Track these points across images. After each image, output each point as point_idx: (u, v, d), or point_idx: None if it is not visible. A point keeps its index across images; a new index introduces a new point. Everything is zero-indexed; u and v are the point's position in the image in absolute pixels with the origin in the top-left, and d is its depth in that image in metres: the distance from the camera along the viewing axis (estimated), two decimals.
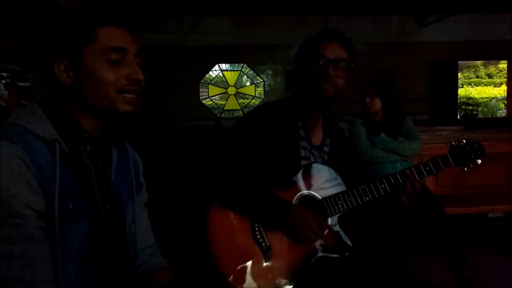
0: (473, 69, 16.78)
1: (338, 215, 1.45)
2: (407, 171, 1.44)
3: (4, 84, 2.07)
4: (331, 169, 1.49)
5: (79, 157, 0.96)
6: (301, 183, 1.44)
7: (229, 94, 10.15)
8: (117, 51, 0.96)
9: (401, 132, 2.86)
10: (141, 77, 0.98)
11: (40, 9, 4.70)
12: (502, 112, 13.22)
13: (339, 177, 1.49)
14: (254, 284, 1.34)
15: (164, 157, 3.97)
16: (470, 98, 14.36)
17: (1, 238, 0.84)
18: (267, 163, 1.42)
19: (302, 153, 1.48)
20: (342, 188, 1.47)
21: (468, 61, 14.67)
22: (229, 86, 10.13)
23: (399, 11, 8.72)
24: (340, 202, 1.43)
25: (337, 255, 1.42)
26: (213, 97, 10.07)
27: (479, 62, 16.08)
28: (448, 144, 1.51)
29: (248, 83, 10.49)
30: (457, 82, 9.63)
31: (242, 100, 10.24)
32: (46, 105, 0.97)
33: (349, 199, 1.43)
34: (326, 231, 1.42)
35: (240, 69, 10.04)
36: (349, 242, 1.44)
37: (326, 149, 1.56)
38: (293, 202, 1.42)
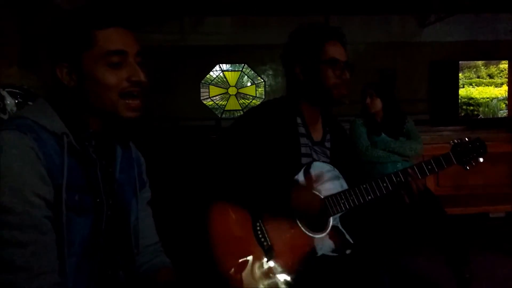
0: (474, 69, 16.74)
1: (340, 214, 1.45)
2: (409, 170, 1.44)
3: (16, 103, 2.09)
4: (333, 167, 1.49)
5: (85, 151, 0.98)
6: (303, 182, 1.44)
7: (230, 95, 10.14)
8: (117, 54, 0.96)
9: (402, 132, 2.86)
10: (143, 78, 0.98)
11: (41, 9, 4.70)
12: (503, 113, 13.19)
13: (341, 176, 1.49)
14: (256, 283, 1.34)
15: (165, 157, 3.97)
16: (471, 98, 14.32)
17: (10, 225, 0.84)
18: (267, 161, 1.42)
19: (303, 150, 1.47)
20: (344, 187, 1.47)
21: (469, 61, 14.64)
22: (230, 86, 10.12)
23: (399, 11, 8.72)
24: (342, 201, 1.43)
25: (339, 254, 1.42)
26: (214, 98, 10.06)
27: (480, 62, 16.03)
28: (450, 143, 1.51)
29: (249, 84, 10.48)
30: (458, 82, 9.63)
31: (243, 100, 10.23)
32: (53, 101, 0.98)
33: (351, 198, 1.43)
34: (327, 231, 1.42)
35: (240, 69, 10.04)
36: (351, 241, 1.44)
37: (327, 144, 1.56)
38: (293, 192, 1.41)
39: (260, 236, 1.37)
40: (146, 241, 1.16)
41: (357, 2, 7.85)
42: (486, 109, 14.09)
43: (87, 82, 0.95)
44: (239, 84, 10.24)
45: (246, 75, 10.21)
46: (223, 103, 10.13)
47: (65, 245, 0.91)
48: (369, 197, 1.43)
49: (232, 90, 10.10)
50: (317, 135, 1.55)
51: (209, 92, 9.94)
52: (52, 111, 0.96)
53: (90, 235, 0.97)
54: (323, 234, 1.43)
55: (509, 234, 3.42)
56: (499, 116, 13.28)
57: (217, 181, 1.39)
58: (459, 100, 10.05)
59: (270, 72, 9.46)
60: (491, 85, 15.87)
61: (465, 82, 15.59)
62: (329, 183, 1.46)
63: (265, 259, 1.36)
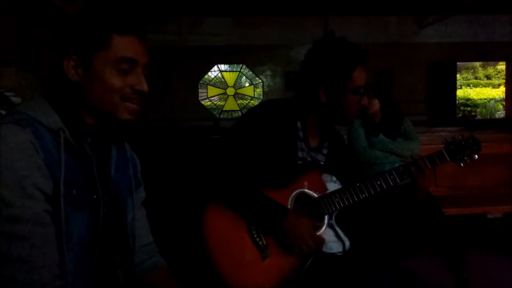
0: (472, 70, 16.83)
1: (335, 213, 1.45)
2: (402, 168, 1.45)
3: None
4: (328, 169, 1.50)
5: (82, 148, 0.98)
6: (298, 182, 1.44)
7: (228, 95, 10.16)
8: (128, 62, 0.98)
9: (400, 133, 2.86)
10: (146, 89, 1.00)
11: (40, 9, 4.70)
12: (500, 113, 13.26)
13: (334, 177, 1.50)
14: (252, 283, 1.34)
15: (163, 157, 3.97)
16: (469, 99, 14.40)
17: (11, 218, 0.84)
18: (264, 162, 1.42)
19: (300, 154, 1.48)
20: (338, 186, 1.48)
21: (466, 62, 14.73)
22: (228, 86, 10.14)
23: (397, 12, 8.75)
24: (336, 199, 1.43)
25: (335, 254, 1.43)
26: (212, 98, 10.08)
27: (477, 63, 16.13)
28: (444, 141, 1.52)
29: (247, 84, 10.50)
30: (455, 83, 9.66)
31: (241, 100, 10.25)
32: (51, 98, 0.99)
33: (345, 196, 1.43)
34: (322, 230, 1.42)
35: (239, 69, 10.05)
36: (347, 241, 1.44)
37: (324, 151, 1.56)
38: (289, 200, 1.41)
39: (256, 235, 1.38)
40: (140, 241, 1.17)
41: (356, 3, 7.87)
42: (483, 110, 14.16)
43: (92, 80, 0.97)
44: (237, 85, 10.25)
45: (244, 75, 10.22)
46: (221, 103, 10.15)
47: (64, 239, 0.91)
48: (363, 196, 1.43)
49: (230, 91, 10.12)
50: (315, 142, 1.55)
51: (207, 92, 9.95)
52: (49, 107, 0.96)
53: (87, 231, 0.97)
54: (318, 233, 1.43)
55: (507, 234, 3.43)
56: (497, 117, 13.36)
57: (214, 182, 1.39)
58: (457, 101, 10.10)
59: (269, 73, 9.47)
60: (488, 86, 15.95)
61: (463, 83, 15.67)
62: (323, 182, 1.47)
63: (260, 259, 1.36)
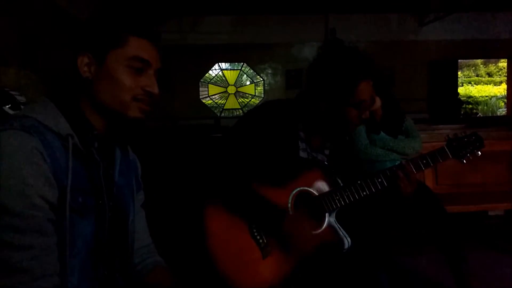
0: (473, 68, 16.78)
1: (335, 211, 1.45)
2: (404, 164, 1.44)
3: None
4: (329, 167, 1.50)
5: (90, 153, 0.98)
6: (299, 179, 1.44)
7: (229, 93, 10.15)
8: (141, 62, 0.99)
9: (401, 130, 2.86)
10: (156, 91, 1.02)
11: (41, 8, 4.70)
12: (502, 111, 13.22)
13: (335, 175, 1.49)
14: (252, 281, 1.34)
15: (164, 156, 3.97)
16: (470, 96, 14.36)
17: (14, 228, 0.84)
18: (266, 162, 1.42)
19: (301, 154, 1.48)
20: (339, 185, 1.47)
21: (468, 60, 14.69)
22: (229, 85, 10.12)
23: (398, 10, 8.72)
24: (337, 197, 1.43)
25: (336, 252, 1.43)
26: (213, 96, 10.07)
27: (479, 61, 16.09)
28: (446, 137, 1.51)
29: (248, 82, 10.48)
30: (457, 80, 9.63)
31: (242, 99, 10.24)
32: (57, 99, 0.98)
33: (346, 194, 1.43)
34: (323, 228, 1.42)
35: (240, 68, 10.04)
36: (348, 239, 1.44)
37: (326, 152, 1.56)
38: (290, 198, 1.42)
39: (256, 233, 1.38)
40: (139, 243, 1.17)
41: (356, 1, 7.85)
42: (485, 107, 14.12)
43: (104, 77, 0.97)
44: (238, 83, 10.24)
45: (245, 74, 10.21)
46: (222, 102, 10.13)
47: (67, 247, 0.91)
48: (364, 193, 1.43)
49: (231, 89, 10.11)
50: (316, 141, 1.55)
51: (208, 91, 9.94)
52: (57, 110, 0.96)
53: (92, 236, 0.97)
54: (319, 231, 1.43)
55: (508, 232, 3.42)
56: (498, 114, 13.32)
57: (215, 181, 1.40)
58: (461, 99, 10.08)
59: (269, 71, 9.46)
60: (490, 84, 15.91)
61: (464, 80, 15.63)
62: (324, 181, 1.47)
63: (261, 257, 1.36)
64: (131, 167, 1.15)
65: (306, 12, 8.10)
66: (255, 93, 10.23)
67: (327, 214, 1.45)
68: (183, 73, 8.94)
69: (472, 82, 16.10)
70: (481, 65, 16.82)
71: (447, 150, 1.48)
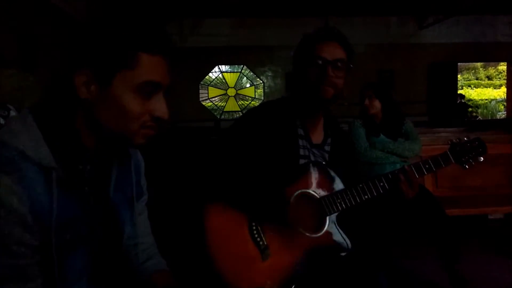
0: (473, 71, 16.81)
1: (336, 213, 1.45)
2: (407, 169, 1.43)
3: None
4: (330, 169, 1.49)
5: (78, 181, 0.89)
6: (300, 182, 1.44)
7: (229, 96, 10.16)
8: (152, 85, 0.86)
9: (401, 133, 2.86)
10: (166, 116, 0.89)
11: (40, 10, 4.71)
12: (502, 114, 13.25)
13: (337, 177, 1.49)
14: (252, 283, 1.34)
15: (164, 158, 3.97)
16: (470, 100, 14.39)
17: None
18: (265, 161, 1.41)
19: (301, 152, 1.47)
20: (340, 187, 1.47)
21: (467, 63, 14.72)
22: (229, 87, 10.13)
23: (398, 12, 8.74)
24: (339, 200, 1.42)
25: (336, 254, 1.42)
26: (213, 99, 10.07)
27: (478, 64, 16.12)
28: (449, 142, 1.50)
29: (247, 85, 10.49)
30: (456, 83, 9.65)
31: (242, 101, 10.24)
32: (44, 117, 0.87)
33: (348, 197, 1.42)
34: (324, 231, 1.41)
35: (239, 70, 10.05)
36: (348, 241, 1.43)
37: (327, 148, 1.56)
38: (291, 200, 1.41)
39: (256, 236, 1.37)
40: (141, 244, 1.14)
41: (356, 4, 7.87)
42: (484, 110, 14.15)
43: (108, 101, 0.84)
44: (238, 85, 10.25)
45: (245, 76, 10.22)
46: (222, 104, 10.14)
47: (57, 282, 0.85)
48: (366, 197, 1.42)
49: (231, 91, 10.12)
50: (317, 138, 1.54)
51: (208, 93, 9.95)
52: (39, 136, 0.84)
53: (86, 265, 0.92)
54: (320, 234, 1.42)
55: (508, 235, 3.41)
56: (498, 117, 13.35)
57: (214, 182, 1.39)
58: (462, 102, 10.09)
59: (269, 73, 9.48)
60: (489, 87, 15.94)
61: (464, 83, 15.66)
62: (326, 183, 1.46)
63: (261, 259, 1.36)
64: (132, 175, 1.06)
65: (306, 14, 8.12)
66: (255, 95, 10.23)
67: (328, 217, 1.44)
68: (183, 75, 8.94)
69: (472, 85, 16.14)
70: (480, 68, 16.86)
71: (450, 155, 1.46)
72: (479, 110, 14.13)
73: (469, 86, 16.05)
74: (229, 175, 1.39)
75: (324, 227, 1.43)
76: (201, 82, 9.61)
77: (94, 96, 0.85)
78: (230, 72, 10.14)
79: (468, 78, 16.68)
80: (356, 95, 2.85)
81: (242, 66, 9.89)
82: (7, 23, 4.10)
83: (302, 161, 1.47)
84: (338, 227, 1.45)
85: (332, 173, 1.48)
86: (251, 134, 1.42)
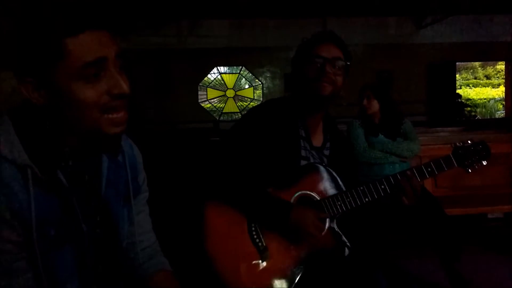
0: (471, 70, 16.83)
1: (337, 216, 1.45)
2: (408, 172, 1.42)
3: None
4: (331, 170, 1.49)
5: (56, 180, 0.85)
6: (300, 183, 1.44)
7: (228, 97, 10.16)
8: (94, 65, 0.79)
9: (400, 133, 2.86)
10: (125, 89, 0.82)
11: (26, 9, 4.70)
12: (500, 113, 13.25)
13: (338, 179, 1.49)
14: (252, 285, 1.34)
15: (163, 160, 3.97)
16: (469, 99, 14.39)
17: None
18: (266, 161, 1.41)
19: (302, 153, 1.47)
20: (341, 189, 1.47)
21: (466, 63, 14.73)
22: (228, 88, 10.14)
23: (396, 13, 8.75)
24: (339, 203, 1.42)
25: (336, 256, 1.42)
26: (212, 100, 10.08)
27: (477, 64, 16.13)
28: (452, 145, 1.48)
29: (246, 86, 10.50)
30: (455, 83, 9.67)
31: (240, 102, 10.25)
32: (19, 118, 0.85)
33: (348, 200, 1.42)
34: (324, 231, 1.41)
35: (238, 71, 10.06)
36: (347, 243, 1.43)
37: (326, 152, 1.56)
38: (291, 201, 1.41)
39: (255, 237, 1.37)
40: (143, 242, 1.13)
41: (354, 4, 7.88)
42: (483, 109, 14.16)
43: (61, 99, 0.80)
44: (237, 87, 10.25)
45: (244, 77, 10.23)
46: (221, 105, 10.15)
47: (44, 282, 0.84)
48: (366, 199, 1.41)
49: (230, 93, 10.12)
50: (317, 141, 1.54)
51: (207, 94, 9.95)
52: (14, 136, 0.82)
53: (75, 263, 0.90)
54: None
55: (508, 234, 3.41)
56: (497, 116, 13.36)
57: (215, 182, 1.39)
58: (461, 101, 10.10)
59: (268, 74, 9.48)
60: (488, 86, 15.95)
61: (462, 83, 15.67)
62: (326, 185, 1.46)
63: (260, 260, 1.36)
64: (127, 171, 1.02)
65: (304, 15, 8.13)
66: (253, 96, 10.24)
67: (328, 219, 1.44)
68: (181, 76, 8.95)
69: (470, 85, 16.15)
70: (479, 68, 16.88)
71: (453, 158, 1.44)
72: (478, 110, 14.13)
73: (468, 85, 16.07)
74: (231, 175, 1.39)
75: (324, 229, 1.43)
76: (200, 84, 9.61)
77: (47, 100, 0.81)
78: (228, 73, 10.15)
79: (466, 77, 16.70)
80: (355, 95, 2.86)
81: (240, 67, 9.90)
82: (6, 24, 4.09)
83: (302, 162, 1.47)
84: (338, 228, 1.45)
85: (333, 175, 1.48)
86: (255, 134, 1.42)
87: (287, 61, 1.58)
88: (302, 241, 1.37)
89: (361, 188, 1.42)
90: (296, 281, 1.36)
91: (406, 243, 3.16)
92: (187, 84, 9.16)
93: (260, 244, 1.37)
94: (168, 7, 7.51)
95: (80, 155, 0.90)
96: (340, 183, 1.49)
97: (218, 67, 9.87)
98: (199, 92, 9.62)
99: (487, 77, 16.82)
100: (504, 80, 11.20)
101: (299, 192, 1.43)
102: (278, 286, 1.35)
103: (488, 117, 13.46)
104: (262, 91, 9.66)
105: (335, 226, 1.45)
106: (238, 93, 10.25)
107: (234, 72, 10.12)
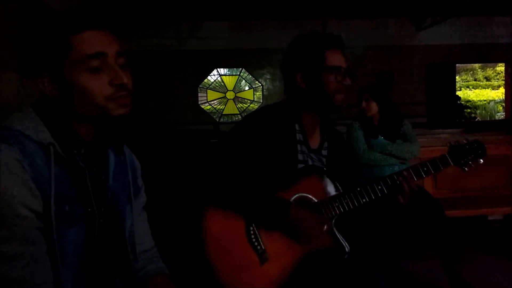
0: (471, 72, 16.82)
1: (335, 218, 1.45)
2: (404, 172, 1.43)
3: None
4: (328, 173, 1.49)
5: (74, 161, 0.95)
6: (297, 186, 1.44)
7: (228, 99, 10.17)
8: (95, 57, 0.92)
9: (399, 135, 2.86)
10: (125, 80, 0.94)
11: (37, 13, 4.71)
12: (500, 115, 13.25)
13: (335, 181, 1.49)
14: (251, 287, 1.34)
15: (162, 162, 3.97)
16: (468, 101, 14.38)
17: (1, 239, 0.84)
18: (264, 166, 1.41)
19: (300, 157, 1.47)
20: (338, 191, 1.47)
21: (466, 64, 14.73)
22: (228, 90, 10.14)
23: (396, 14, 8.76)
24: (336, 204, 1.42)
25: (335, 258, 1.42)
26: (212, 102, 10.08)
27: (477, 65, 16.13)
28: (448, 144, 1.50)
29: (246, 88, 10.51)
30: (455, 85, 9.66)
31: (240, 104, 10.25)
32: (41, 109, 0.96)
33: (345, 201, 1.42)
34: (325, 229, 1.41)
35: (238, 73, 10.06)
36: (346, 245, 1.43)
37: (324, 152, 1.56)
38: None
39: (254, 240, 1.37)
40: (141, 246, 1.15)
41: (354, 6, 7.88)
42: (483, 111, 14.14)
43: (70, 90, 0.93)
44: (237, 88, 10.26)
45: (244, 79, 10.24)
46: (221, 107, 10.15)
47: (57, 256, 0.89)
48: (364, 200, 1.42)
49: (230, 94, 10.13)
50: (314, 143, 1.55)
51: (207, 96, 9.96)
52: (38, 120, 0.94)
53: (83, 245, 0.95)
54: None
55: (508, 236, 3.41)
56: (497, 118, 13.35)
57: (213, 186, 1.39)
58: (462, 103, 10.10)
59: (268, 76, 9.48)
60: (488, 88, 15.94)
61: (462, 84, 15.67)
62: (324, 187, 1.46)
63: (258, 263, 1.36)
64: (128, 170, 1.11)
65: (304, 17, 8.13)
66: (253, 98, 10.24)
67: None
68: (181, 78, 8.95)
69: (470, 87, 16.15)
70: (479, 70, 16.88)
71: (448, 157, 1.46)
72: (478, 111, 14.12)
73: (468, 87, 16.06)
74: (228, 179, 1.39)
75: (323, 227, 1.43)
76: (200, 85, 9.61)
77: (59, 93, 0.94)
78: (228, 75, 10.15)
79: (466, 79, 16.69)
80: (355, 97, 2.86)
81: (240, 69, 9.90)
82: (7, 27, 4.10)
83: (300, 166, 1.47)
84: (336, 230, 1.45)
85: (330, 177, 1.49)
86: (251, 140, 1.42)
87: None
88: (301, 239, 1.36)
89: (358, 189, 1.43)
90: (295, 283, 1.36)
91: (407, 245, 3.16)
92: (187, 86, 9.16)
93: (258, 247, 1.37)
94: (168, 9, 7.52)
95: (91, 145, 1.00)
96: (338, 184, 1.49)
97: (218, 69, 9.87)
98: (199, 94, 9.62)
99: (487, 78, 16.82)
100: (504, 82, 11.19)
101: (297, 195, 1.43)
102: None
103: (488, 119, 13.45)
104: (262, 93, 9.66)
105: (334, 228, 1.45)
106: (238, 95, 10.26)
107: (234, 74, 10.13)
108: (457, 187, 3.37)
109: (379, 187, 1.43)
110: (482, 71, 16.91)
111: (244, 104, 10.27)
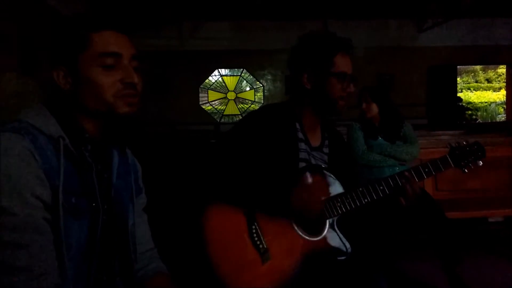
0: (472, 74, 16.82)
1: (336, 217, 1.45)
2: (406, 173, 1.44)
3: None
4: (330, 172, 1.50)
5: (81, 155, 0.98)
6: (299, 185, 1.44)
7: (229, 99, 10.18)
8: (111, 56, 0.97)
9: (399, 136, 2.85)
10: (136, 80, 0.99)
11: (39, 13, 4.72)
12: (501, 117, 13.24)
13: (337, 180, 1.49)
14: (252, 287, 1.33)
15: (163, 162, 3.97)
16: (469, 102, 14.38)
17: (10, 227, 0.85)
18: (265, 165, 1.42)
19: (302, 155, 1.47)
20: (340, 190, 1.47)
21: (467, 66, 14.74)
22: (229, 91, 10.15)
23: (397, 16, 8.77)
24: (338, 204, 1.42)
25: (336, 258, 1.42)
26: (213, 102, 10.09)
27: (478, 67, 16.13)
28: (448, 146, 1.51)
29: (247, 88, 10.52)
30: (456, 86, 9.66)
31: (241, 105, 10.26)
32: (51, 105, 1.00)
33: (347, 201, 1.42)
34: (323, 235, 1.42)
35: (239, 74, 10.07)
36: (347, 245, 1.44)
37: (325, 150, 1.57)
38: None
39: (256, 239, 1.37)
40: (141, 247, 1.16)
41: (355, 7, 7.89)
42: (484, 113, 14.14)
43: (82, 83, 0.96)
44: (238, 89, 10.27)
45: (245, 79, 10.25)
46: (222, 107, 10.16)
47: (63, 247, 0.91)
48: (366, 200, 1.42)
49: (231, 95, 10.14)
50: (316, 141, 1.55)
51: (208, 97, 9.97)
52: (49, 114, 0.97)
53: (86, 239, 0.97)
54: (319, 237, 1.42)
55: (508, 238, 3.41)
56: (498, 120, 13.34)
57: (215, 182, 1.39)
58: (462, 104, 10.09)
59: (269, 77, 9.49)
60: (489, 90, 15.94)
61: (463, 86, 15.66)
62: (326, 186, 1.46)
63: (261, 262, 1.36)
64: (130, 170, 1.14)
65: (305, 17, 8.14)
66: (254, 99, 10.25)
67: (328, 221, 1.44)
68: (182, 79, 8.96)
69: (471, 88, 16.15)
70: (480, 71, 16.88)
71: (449, 159, 1.48)
72: (479, 113, 14.12)
73: (469, 89, 16.06)
74: (229, 178, 1.39)
75: (324, 230, 1.43)
76: (201, 86, 9.62)
77: (73, 86, 0.97)
78: (229, 75, 10.16)
79: (467, 81, 16.69)
80: (355, 98, 2.86)
81: (241, 69, 9.91)
82: (8, 27, 4.11)
83: (302, 165, 1.47)
84: (337, 230, 1.45)
85: (332, 177, 1.49)
86: (252, 138, 1.42)
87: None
88: (311, 215, 1.36)
89: (360, 189, 1.43)
90: (297, 282, 1.36)
91: (407, 246, 3.16)
92: (188, 86, 9.18)
93: (261, 246, 1.37)
94: (170, 10, 7.53)
95: (97, 142, 1.03)
96: (339, 184, 1.49)
97: (219, 69, 9.88)
98: (200, 94, 9.63)
99: (488, 80, 16.81)
100: (505, 84, 11.19)
101: None
102: (279, 287, 1.35)
103: (489, 121, 13.45)
104: (263, 93, 9.67)
105: (336, 228, 1.45)
106: (239, 95, 10.27)
107: (235, 74, 10.14)
108: (457, 189, 3.36)
109: (381, 187, 1.43)
110: (483, 73, 16.90)
111: (245, 105, 10.28)
